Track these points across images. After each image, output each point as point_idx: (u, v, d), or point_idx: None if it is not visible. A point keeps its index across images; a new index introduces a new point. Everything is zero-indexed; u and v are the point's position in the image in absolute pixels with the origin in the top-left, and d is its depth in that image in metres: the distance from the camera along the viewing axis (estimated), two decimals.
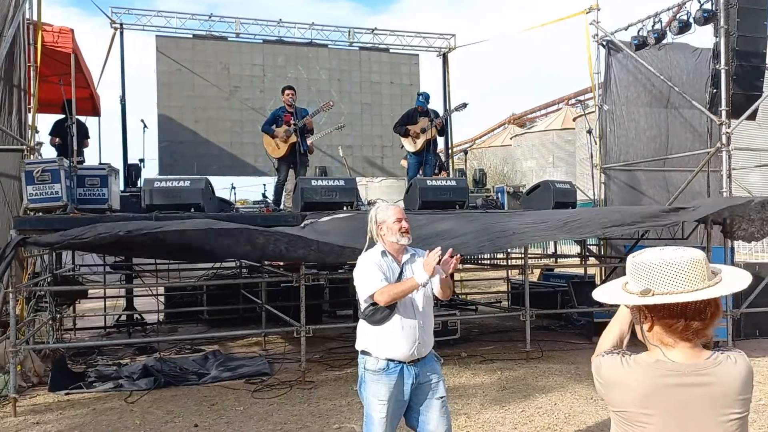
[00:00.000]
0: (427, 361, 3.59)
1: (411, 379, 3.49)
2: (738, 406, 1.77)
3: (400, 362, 3.48)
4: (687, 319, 1.75)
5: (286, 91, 9.57)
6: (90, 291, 11.08)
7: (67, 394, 6.77)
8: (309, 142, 9.89)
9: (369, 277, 3.49)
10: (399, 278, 3.53)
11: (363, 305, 3.56)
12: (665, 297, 1.74)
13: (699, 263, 1.76)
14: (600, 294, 1.94)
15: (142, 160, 11.10)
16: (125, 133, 12.43)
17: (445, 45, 14.81)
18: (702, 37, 18.47)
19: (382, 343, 3.49)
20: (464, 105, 10.47)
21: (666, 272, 1.75)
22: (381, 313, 3.47)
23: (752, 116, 10.05)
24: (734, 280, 1.80)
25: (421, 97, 10.38)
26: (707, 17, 9.68)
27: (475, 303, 12.85)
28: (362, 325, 3.60)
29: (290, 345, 9.10)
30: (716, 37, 9.77)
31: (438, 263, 3.35)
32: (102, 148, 11.17)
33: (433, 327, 3.72)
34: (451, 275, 3.61)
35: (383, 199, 12.04)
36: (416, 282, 3.39)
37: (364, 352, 3.56)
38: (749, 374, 1.81)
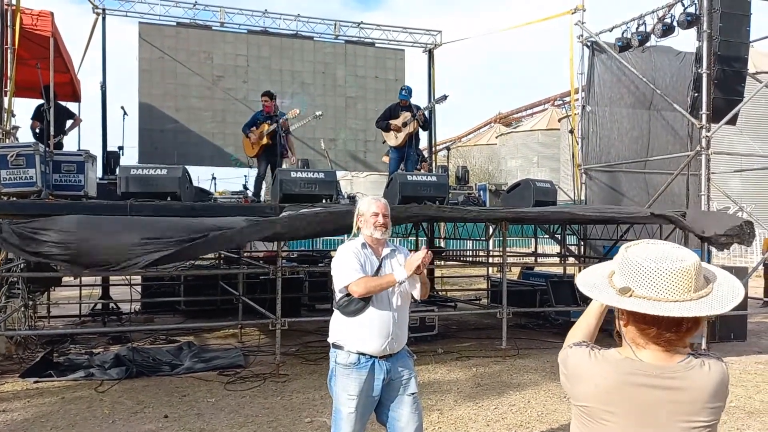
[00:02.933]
0: (399, 357, 3.55)
1: (382, 375, 3.45)
2: (705, 414, 1.70)
3: (371, 357, 3.43)
4: (660, 329, 1.68)
5: (262, 98, 9.92)
6: (65, 279, 10.92)
7: (36, 382, 6.68)
8: (289, 141, 10.00)
9: (346, 268, 3.45)
10: (377, 272, 3.49)
11: (338, 296, 3.54)
12: (641, 302, 1.66)
13: (688, 272, 1.65)
14: (583, 283, 1.86)
15: (121, 148, 10.94)
16: (105, 120, 12.28)
17: (431, 41, 14.78)
18: (685, 40, 18.61)
19: (354, 337, 3.44)
20: (445, 97, 10.57)
21: (650, 276, 1.66)
22: (355, 304, 3.43)
23: (732, 121, 10.12)
24: (722, 298, 1.68)
25: (404, 91, 10.35)
26: (690, 21, 9.73)
27: (454, 300, 12.86)
28: (335, 317, 3.56)
29: (267, 337, 9.04)
30: (699, 41, 9.84)
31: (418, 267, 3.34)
32: (81, 135, 11.00)
33: (408, 323, 3.68)
34: (431, 274, 3.59)
35: (365, 193, 11.99)
36: (394, 279, 3.37)
37: (335, 345, 3.52)
38: (723, 382, 1.73)
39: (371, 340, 3.43)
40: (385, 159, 11.83)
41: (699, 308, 1.64)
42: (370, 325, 3.44)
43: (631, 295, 1.68)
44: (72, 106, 11.29)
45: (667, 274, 1.64)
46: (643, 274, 1.67)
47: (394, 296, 3.51)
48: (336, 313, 3.57)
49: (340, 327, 3.52)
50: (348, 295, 3.45)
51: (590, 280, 1.85)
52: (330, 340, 3.58)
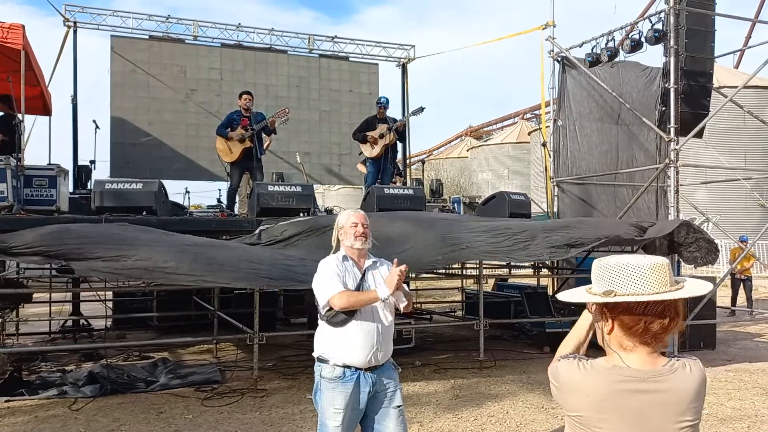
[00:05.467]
0: (384, 369, 3.55)
1: (368, 387, 3.45)
2: (690, 413, 1.78)
3: (357, 369, 3.43)
4: (647, 322, 1.76)
5: (244, 96, 9.51)
6: (35, 295, 10.72)
7: (7, 401, 6.52)
8: (266, 144, 9.83)
9: (327, 282, 3.45)
10: (360, 284, 3.51)
11: (322, 309, 3.53)
12: (626, 297, 1.76)
13: (662, 268, 1.79)
14: (565, 295, 1.95)
15: (93, 162, 10.80)
16: (76, 134, 12.13)
17: (405, 55, 14.91)
18: (653, 56, 19.01)
19: (339, 348, 3.44)
20: (422, 109, 10.70)
21: (629, 274, 1.77)
22: (341, 315, 3.43)
23: (699, 134, 10.38)
24: (695, 287, 1.83)
25: (382, 99, 10.44)
26: (658, 37, 9.99)
27: (430, 312, 12.89)
28: (321, 330, 3.55)
29: (243, 352, 8.97)
30: (666, 56, 10.09)
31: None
32: (52, 149, 10.83)
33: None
34: (406, 282, 3.62)
35: (341, 207, 11.99)
36: (377, 296, 3.39)
37: (320, 359, 3.51)
38: (703, 382, 1.84)
39: (356, 352, 3.43)
40: (360, 167, 11.84)
41: (679, 293, 1.78)
42: (356, 337, 3.43)
43: (615, 295, 1.77)
44: (42, 119, 11.14)
45: (645, 270, 1.77)
46: (622, 274, 1.78)
47: (380, 307, 3.50)
48: (321, 325, 3.56)
49: (325, 339, 3.52)
50: (332, 308, 3.44)
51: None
52: (315, 353, 3.56)
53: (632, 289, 1.76)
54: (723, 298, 13.74)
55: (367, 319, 3.47)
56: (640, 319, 1.77)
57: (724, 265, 18.23)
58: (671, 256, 8.81)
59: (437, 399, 6.74)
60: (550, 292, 11.76)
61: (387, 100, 10.47)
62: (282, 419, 5.99)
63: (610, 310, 1.82)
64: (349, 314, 3.43)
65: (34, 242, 5.38)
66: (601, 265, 1.85)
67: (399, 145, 11.06)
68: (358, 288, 3.51)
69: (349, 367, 3.43)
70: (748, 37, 28.60)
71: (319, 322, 3.59)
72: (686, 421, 1.78)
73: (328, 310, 3.47)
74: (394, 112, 13.79)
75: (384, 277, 3.51)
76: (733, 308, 13.64)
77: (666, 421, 1.77)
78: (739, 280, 13.83)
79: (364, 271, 3.58)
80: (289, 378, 7.62)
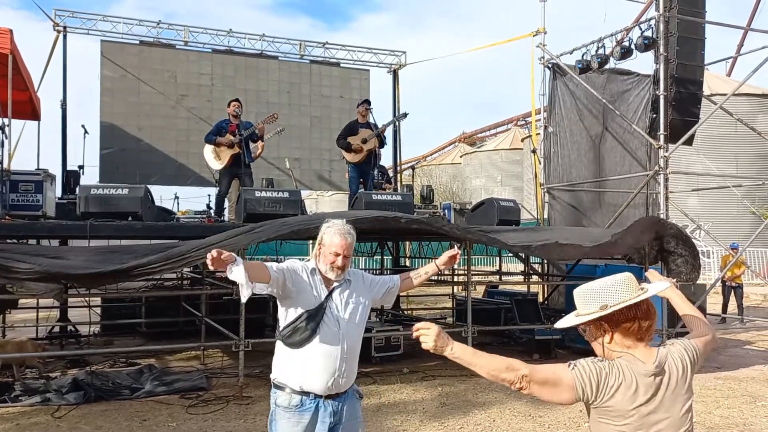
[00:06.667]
0: (347, 398, 3.22)
1: (327, 418, 3.12)
2: (688, 386, 2.22)
3: (316, 397, 3.11)
4: (639, 320, 2.16)
5: (233, 103, 9.48)
6: (21, 300, 10.63)
7: None
8: (257, 152, 9.76)
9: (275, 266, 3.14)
10: (323, 305, 3.16)
11: (280, 324, 3.22)
12: (621, 305, 2.14)
13: (632, 278, 2.21)
14: (562, 322, 2.31)
15: (81, 167, 10.74)
16: (65, 139, 12.07)
17: (396, 61, 14.91)
18: (643, 63, 19.08)
19: (297, 373, 3.13)
20: (405, 115, 10.92)
21: (612, 288, 2.18)
22: (300, 333, 3.12)
23: (689, 141, 10.40)
24: (659, 286, 2.36)
25: (364, 101, 10.43)
26: (648, 44, 10.02)
27: (420, 318, 12.85)
28: (278, 352, 3.23)
29: (230, 359, 8.91)
30: (656, 63, 10.12)
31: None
32: (41, 154, 10.77)
33: (359, 354, 3.30)
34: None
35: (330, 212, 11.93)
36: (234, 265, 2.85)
37: (276, 385, 3.19)
38: (684, 355, 2.25)
39: (316, 377, 3.11)
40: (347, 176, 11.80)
41: (650, 293, 2.22)
42: (315, 359, 3.12)
43: (609, 307, 2.15)
44: (31, 124, 11.09)
45: (622, 282, 2.19)
46: (608, 290, 2.18)
47: (346, 325, 3.19)
48: (278, 346, 3.23)
49: (282, 363, 3.20)
50: (292, 323, 3.15)
51: (568, 320, 2.30)
52: (272, 377, 3.24)
53: (620, 298, 2.15)
54: (714, 305, 13.75)
55: (331, 340, 3.15)
56: (634, 320, 2.16)
57: (714, 273, 18.24)
58: (660, 264, 8.82)
59: (424, 407, 6.70)
60: (540, 298, 11.74)
61: (369, 102, 10.44)
62: (266, 427, 5.91)
63: (609, 322, 2.18)
64: (310, 334, 3.13)
65: None
66: (585, 290, 2.23)
67: (385, 152, 11.05)
68: (320, 309, 3.16)
69: (307, 394, 3.12)
70: (741, 45, 28.80)
71: (276, 342, 3.27)
72: (688, 395, 2.22)
73: (286, 327, 3.18)
74: (384, 117, 13.79)
75: (357, 296, 3.25)
76: (723, 315, 13.64)
77: (679, 397, 2.18)
78: (730, 288, 13.84)
79: (332, 290, 3.22)
80: None
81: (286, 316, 3.21)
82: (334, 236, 3.20)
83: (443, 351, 2.21)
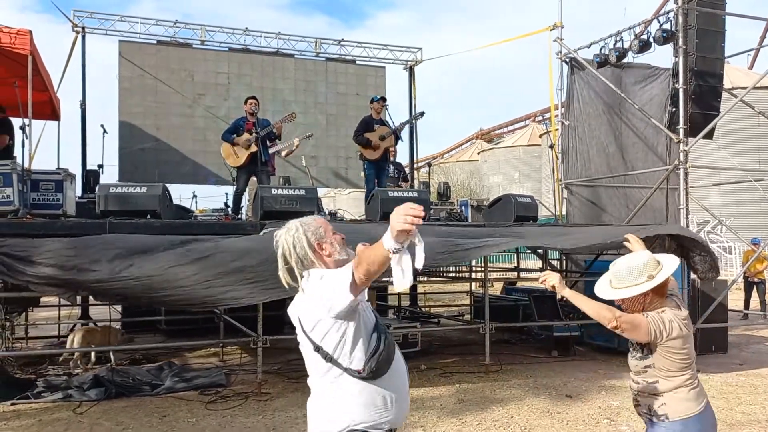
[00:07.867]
0: None
1: None
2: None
3: None
4: (666, 285, 3.03)
5: (249, 101, 9.49)
6: (43, 299, 10.77)
7: (12, 404, 6.55)
8: (275, 150, 9.78)
9: (342, 271, 2.31)
10: (370, 307, 2.57)
11: (344, 352, 2.37)
12: (662, 274, 2.97)
13: (655, 257, 3.07)
14: (608, 294, 3.11)
15: (101, 166, 10.85)
16: (84, 139, 12.21)
17: (412, 58, 14.86)
18: (662, 56, 18.87)
19: (380, 406, 2.41)
20: (421, 114, 10.92)
21: (650, 263, 3.01)
22: (381, 356, 2.40)
23: (709, 135, 10.26)
24: (673, 260, 3.08)
25: (377, 97, 10.39)
26: (666, 37, 9.89)
27: (437, 316, 12.83)
28: (338, 395, 2.42)
29: (248, 356, 8.96)
30: (675, 57, 9.98)
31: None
32: (61, 154, 10.89)
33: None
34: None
35: (347, 210, 11.95)
36: (385, 250, 2.11)
37: None
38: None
39: (398, 406, 2.45)
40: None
41: (671, 267, 3.03)
42: (395, 384, 2.46)
43: (653, 277, 2.96)
44: (51, 124, 11.21)
45: (653, 259, 3.05)
46: (647, 265, 3.00)
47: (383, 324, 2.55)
48: (336, 388, 2.42)
49: (352, 403, 2.40)
50: (375, 350, 2.40)
51: (609, 292, 3.10)
52: (337, 428, 2.40)
53: (656, 270, 2.98)
54: (736, 301, 13.57)
55: (396, 354, 2.49)
56: (665, 285, 3.02)
57: (736, 268, 18.01)
58: (682, 260, 8.71)
59: (441, 403, 6.69)
60: (558, 295, 11.65)
61: (384, 98, 10.40)
62: (285, 423, 5.96)
63: (654, 290, 2.97)
64: (387, 353, 2.43)
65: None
66: (628, 266, 3.02)
67: (401, 148, 11.01)
68: (375, 317, 2.54)
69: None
70: (763, 37, 28.33)
71: (333, 383, 2.42)
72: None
73: (369, 359, 2.37)
74: (399, 114, 13.72)
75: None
76: (745, 311, 13.46)
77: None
78: (752, 283, 13.66)
79: None
80: (294, 381, 7.59)
81: (349, 338, 2.38)
82: (317, 226, 2.56)
83: (561, 291, 3.00)
